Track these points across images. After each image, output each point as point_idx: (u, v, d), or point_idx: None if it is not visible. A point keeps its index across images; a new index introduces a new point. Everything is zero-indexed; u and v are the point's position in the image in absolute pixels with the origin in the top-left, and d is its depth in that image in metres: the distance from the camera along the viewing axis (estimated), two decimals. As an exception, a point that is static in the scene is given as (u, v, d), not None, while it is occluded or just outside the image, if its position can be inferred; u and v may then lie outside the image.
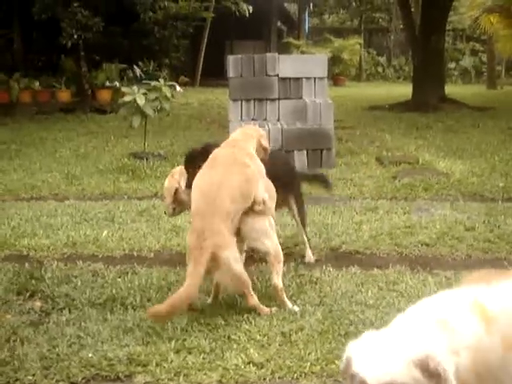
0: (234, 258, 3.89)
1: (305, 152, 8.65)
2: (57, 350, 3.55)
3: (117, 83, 15.19)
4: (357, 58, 29.99)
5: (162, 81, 8.94)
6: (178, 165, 8.69)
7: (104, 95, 15.02)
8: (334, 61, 29.60)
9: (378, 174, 8.23)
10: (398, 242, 5.47)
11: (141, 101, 8.42)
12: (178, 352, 3.51)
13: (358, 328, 3.67)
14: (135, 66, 15.48)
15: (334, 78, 28.23)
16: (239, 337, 3.68)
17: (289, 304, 4.11)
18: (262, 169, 4.29)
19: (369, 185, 7.67)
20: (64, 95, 14.75)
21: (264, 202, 4.15)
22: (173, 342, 3.60)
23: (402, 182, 7.67)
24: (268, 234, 4.16)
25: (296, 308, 4.08)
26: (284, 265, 4.28)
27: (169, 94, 8.71)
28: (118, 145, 10.62)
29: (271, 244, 4.14)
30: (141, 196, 7.28)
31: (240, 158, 4.20)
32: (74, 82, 14.56)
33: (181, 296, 3.77)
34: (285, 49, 25.96)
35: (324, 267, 4.86)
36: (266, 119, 9.01)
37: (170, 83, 9.22)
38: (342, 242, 5.49)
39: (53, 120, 13.67)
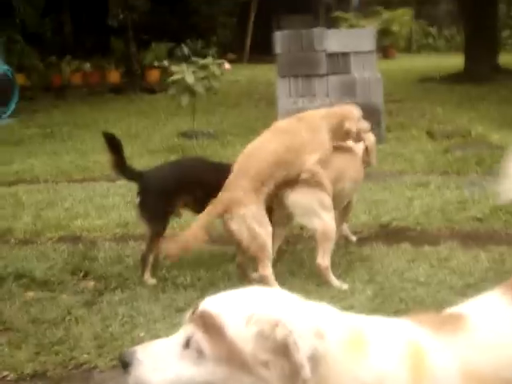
0: (252, 217, 3.88)
1: (354, 128, 8.52)
2: (110, 329, 3.63)
3: (166, 62, 15.25)
4: (407, 30, 29.45)
5: (210, 59, 8.92)
6: (228, 143, 8.85)
7: (153, 75, 15.12)
8: (384, 33, 29.10)
9: (429, 148, 8.09)
10: (450, 217, 5.38)
11: (190, 79, 8.43)
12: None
13: (409, 306, 3.65)
14: (183, 45, 15.51)
15: (384, 51, 27.79)
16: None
17: (336, 282, 4.09)
18: (323, 144, 4.25)
19: (420, 159, 7.55)
20: (114, 76, 14.90)
21: (313, 174, 4.11)
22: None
23: (454, 155, 7.53)
24: (316, 211, 4.13)
25: (345, 286, 4.06)
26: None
27: (217, 72, 8.70)
28: (168, 124, 10.70)
29: (319, 221, 4.12)
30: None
31: (292, 128, 4.22)
32: (123, 62, 14.70)
33: (187, 238, 3.87)
34: (333, 22, 25.63)
35: (374, 244, 4.83)
36: (314, 95, 8.94)
37: (219, 60, 9.19)
38: (392, 218, 5.42)
39: (103, 101, 13.85)
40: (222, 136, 9.23)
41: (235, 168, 4.10)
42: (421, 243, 4.84)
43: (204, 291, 4.03)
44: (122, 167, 4.31)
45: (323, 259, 4.09)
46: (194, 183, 4.36)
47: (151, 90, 13.98)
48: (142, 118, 11.51)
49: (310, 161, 4.16)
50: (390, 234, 5.12)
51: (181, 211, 4.59)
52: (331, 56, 8.92)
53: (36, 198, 6.50)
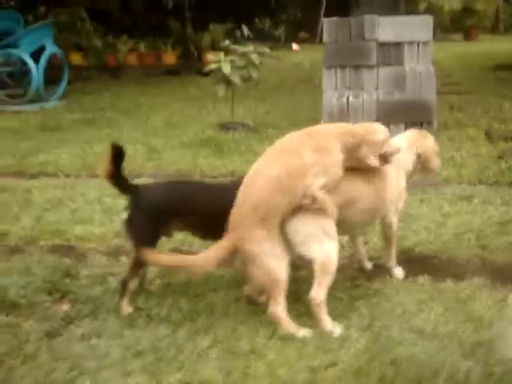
0: (265, 252, 3.46)
1: (403, 126, 7.83)
2: (54, 375, 3.20)
3: (227, 42, 14.73)
4: (493, 8, 27.90)
5: (250, 46, 8.37)
6: (266, 138, 8.31)
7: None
8: (467, 12, 27.72)
9: (483, 151, 7.30)
10: (485, 243, 4.71)
11: (226, 68, 7.93)
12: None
13: (400, 369, 3.07)
14: (243, 25, 14.91)
15: (466, 32, 26.47)
16: (258, 369, 3.16)
17: (327, 325, 3.54)
18: (332, 166, 3.67)
19: (470, 166, 6.81)
20: (169, 57, 14.52)
21: (315, 199, 3.56)
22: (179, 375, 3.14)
23: (509, 163, 6.74)
24: (317, 238, 3.57)
25: (337, 331, 3.50)
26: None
27: (257, 62, 8.14)
28: (212, 112, 10.24)
29: (319, 250, 3.57)
30: (216, 174, 6.84)
31: (296, 147, 3.67)
32: (180, 43, 14.29)
33: (187, 260, 3.60)
34: (412, 2, 24.44)
35: (388, 276, 4.23)
36: (362, 88, 8.27)
37: (262, 48, 8.60)
38: (417, 242, 4.79)
39: (157, 83, 13.50)
40: (262, 129, 8.69)
41: (239, 196, 3.61)
42: (443, 276, 4.22)
43: (178, 327, 3.59)
44: (116, 177, 3.86)
45: (317, 293, 3.55)
46: (189, 208, 3.88)
47: (205, 74, 13.48)
48: (189, 104, 11.09)
49: (314, 185, 3.59)
50: (411, 262, 4.49)
51: (173, 233, 4.12)
52: (382, 46, 8.24)
53: (47, 196, 6.17)
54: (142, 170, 7.07)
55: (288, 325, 3.52)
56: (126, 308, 3.86)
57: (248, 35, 15.46)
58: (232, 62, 8.13)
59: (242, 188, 3.63)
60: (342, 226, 3.85)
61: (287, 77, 13.72)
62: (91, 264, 4.57)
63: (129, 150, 7.69)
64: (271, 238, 3.50)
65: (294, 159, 3.62)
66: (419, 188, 5.93)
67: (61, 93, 11.99)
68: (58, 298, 4.10)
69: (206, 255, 3.55)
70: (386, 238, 4.25)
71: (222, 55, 8.15)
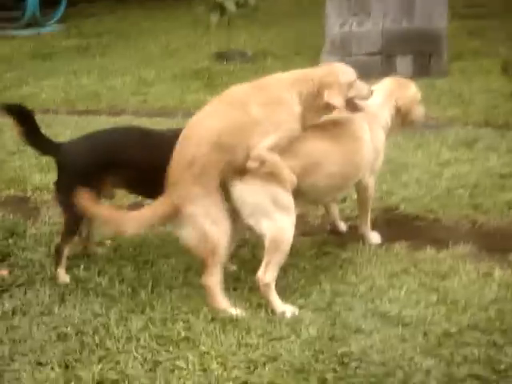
0: (202, 214, 3.07)
1: (409, 57, 7.18)
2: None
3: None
4: None
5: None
6: (263, 69, 7.71)
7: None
8: None
9: (496, 87, 6.69)
10: (479, 202, 4.22)
11: (219, -5, 7.32)
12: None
13: (348, 368, 2.66)
14: None
15: None
16: (188, 362, 2.77)
17: (279, 306, 3.12)
18: (284, 123, 3.18)
19: (479, 103, 6.24)
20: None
21: (263, 162, 3.09)
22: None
23: (523, 101, 6.15)
24: (267, 210, 3.12)
25: (289, 312, 3.09)
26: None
27: (253, -15, 7.50)
28: (212, 40, 9.56)
29: (269, 224, 3.12)
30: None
31: (243, 100, 3.18)
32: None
33: (117, 217, 3.19)
34: None
35: (361, 241, 3.77)
36: (369, 14, 7.57)
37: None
38: (404, 197, 4.32)
39: (163, 7, 12.76)
40: (261, 58, 8.10)
41: (176, 148, 3.17)
42: (424, 242, 3.77)
43: (113, 304, 3.21)
44: (34, 138, 3.43)
45: (265, 273, 3.12)
46: (123, 161, 3.43)
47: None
48: (192, 31, 10.33)
49: (262, 145, 3.11)
50: (392, 224, 4.07)
51: (113, 192, 3.69)
52: (392, -34, 7.46)
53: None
54: (125, 105, 6.64)
55: (220, 300, 3.13)
56: (63, 277, 3.49)
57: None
58: (226, -14, 7.49)
59: (179, 139, 3.20)
60: (307, 195, 3.41)
61: (292, 3, 12.79)
62: (42, 220, 4.20)
63: (117, 83, 7.38)
64: (208, 197, 3.09)
65: (237, 114, 3.16)
66: (417, 130, 5.37)
67: (58, 16, 11.42)
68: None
69: (140, 214, 3.19)
70: (360, 201, 3.78)
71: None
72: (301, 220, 4.08)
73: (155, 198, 3.25)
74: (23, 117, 3.37)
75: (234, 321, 3.04)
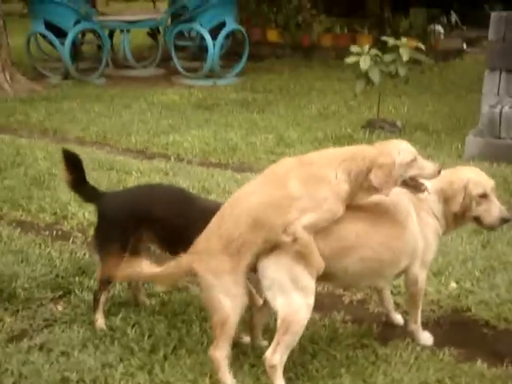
0: (219, 286, 3.00)
1: None
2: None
3: (440, 28, 13.65)
4: None
5: (404, 39, 7.54)
6: (413, 142, 7.40)
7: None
8: None
9: None
10: None
11: (364, 64, 7.24)
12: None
13: None
14: (452, 12, 13.73)
15: None
16: None
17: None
18: (323, 201, 3.04)
19: None
20: (366, 40, 13.78)
21: (296, 239, 2.98)
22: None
23: None
24: (285, 288, 3.00)
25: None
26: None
27: (405, 57, 7.31)
28: (373, 107, 9.48)
29: (284, 302, 3.00)
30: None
31: (283, 175, 3.09)
32: (376, 27, 13.49)
33: (139, 273, 3.17)
34: None
35: (406, 341, 3.48)
36: (529, 100, 7.07)
37: (414, 42, 7.72)
38: (481, 300, 3.90)
39: (344, 67, 12.83)
40: (411, 131, 7.86)
41: (214, 219, 3.15)
42: (476, 354, 3.38)
43: (133, 357, 3.26)
44: (79, 185, 3.61)
45: (273, 354, 2.99)
46: (156, 217, 3.50)
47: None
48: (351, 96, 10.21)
49: (299, 222, 3.00)
50: (453, 327, 3.68)
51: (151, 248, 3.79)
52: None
53: (141, 179, 6.05)
54: (255, 164, 6.72)
55: (225, 376, 3.05)
56: (99, 323, 3.60)
57: (456, 23, 14.28)
58: (376, 56, 7.39)
59: (219, 211, 3.16)
60: (339, 278, 3.23)
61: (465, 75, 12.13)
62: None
63: (258, 140, 7.53)
64: (232, 274, 3.01)
65: (277, 189, 3.06)
66: None
67: (239, 70, 11.94)
68: (58, 297, 3.97)
69: (157, 271, 3.14)
70: (409, 295, 3.49)
71: (365, 48, 7.43)
72: (361, 306, 3.93)
73: None
74: (74, 165, 3.55)
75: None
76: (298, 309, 2.99)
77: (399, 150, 3.14)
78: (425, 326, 3.60)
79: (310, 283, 3.02)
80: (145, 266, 3.15)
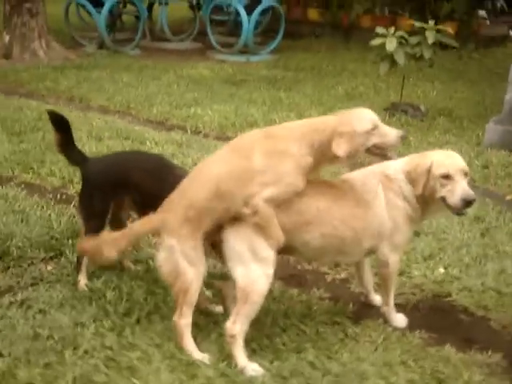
0: (181, 252, 3.04)
1: None
2: None
3: (483, 12, 13.32)
4: None
5: (431, 22, 7.41)
6: (435, 128, 7.33)
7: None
8: None
9: None
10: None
11: (390, 45, 7.14)
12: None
13: None
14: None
15: None
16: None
17: (241, 361, 3.04)
18: (285, 175, 3.07)
19: None
20: (406, 24, 13.55)
21: (256, 212, 3.02)
22: None
23: None
24: (244, 258, 3.05)
25: (249, 371, 3.00)
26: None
27: (431, 40, 7.19)
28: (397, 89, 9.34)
29: (244, 274, 3.04)
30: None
31: (248, 148, 3.13)
32: (418, 11, 13.23)
33: (105, 240, 3.16)
34: None
35: (379, 322, 3.48)
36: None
37: (443, 27, 7.55)
38: (464, 287, 3.88)
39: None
40: (434, 116, 7.75)
41: (180, 185, 3.21)
42: (447, 340, 3.38)
43: (106, 318, 3.35)
44: (66, 148, 3.69)
45: (234, 324, 3.04)
46: (135, 183, 3.56)
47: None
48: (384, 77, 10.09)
49: (259, 195, 3.03)
50: (431, 312, 3.67)
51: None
52: None
53: (161, 150, 6.13)
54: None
55: (186, 342, 3.11)
56: (81, 285, 3.71)
57: (502, 8, 13.91)
58: (402, 38, 7.29)
59: (186, 178, 3.22)
60: (301, 252, 3.27)
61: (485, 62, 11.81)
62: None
63: (278, 118, 7.52)
64: (193, 241, 3.06)
65: (240, 161, 3.10)
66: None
67: (273, 47, 11.91)
68: (49, 257, 4.09)
69: (122, 233, 3.20)
70: (380, 278, 3.48)
71: (390, 30, 7.32)
72: (342, 285, 3.95)
73: None
74: (62, 126, 3.63)
75: (191, 364, 3.01)
76: (256, 279, 3.02)
77: (359, 118, 3.13)
78: (403, 308, 3.62)
79: (269, 255, 3.05)
80: (105, 233, 3.24)
